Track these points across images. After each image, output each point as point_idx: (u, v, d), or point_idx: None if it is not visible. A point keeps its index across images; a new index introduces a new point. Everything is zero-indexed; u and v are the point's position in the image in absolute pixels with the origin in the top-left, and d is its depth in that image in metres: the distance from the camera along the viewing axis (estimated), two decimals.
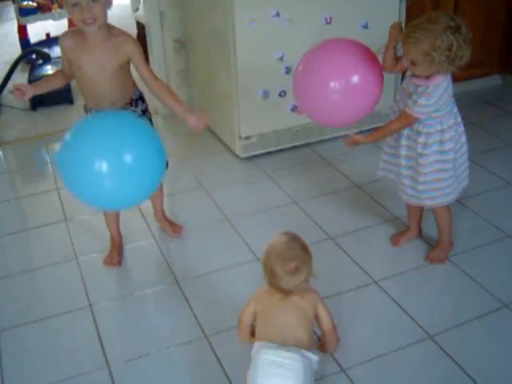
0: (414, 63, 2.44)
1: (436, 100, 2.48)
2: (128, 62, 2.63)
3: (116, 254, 2.97)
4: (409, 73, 2.59)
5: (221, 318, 2.57)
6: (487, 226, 3.09)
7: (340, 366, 2.32)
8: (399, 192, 2.80)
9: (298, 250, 2.14)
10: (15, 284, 2.89)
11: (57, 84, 2.73)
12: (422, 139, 2.59)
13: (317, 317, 2.26)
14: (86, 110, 2.75)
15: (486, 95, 4.49)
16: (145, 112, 2.81)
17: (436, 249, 2.88)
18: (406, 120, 2.56)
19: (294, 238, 2.18)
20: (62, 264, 2.99)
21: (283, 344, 2.12)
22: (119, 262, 2.96)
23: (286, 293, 2.15)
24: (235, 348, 2.35)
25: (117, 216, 2.99)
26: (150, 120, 2.86)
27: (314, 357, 2.15)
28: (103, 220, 3.01)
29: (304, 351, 2.12)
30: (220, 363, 2.36)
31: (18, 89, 2.55)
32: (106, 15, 2.49)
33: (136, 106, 2.76)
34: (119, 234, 3.03)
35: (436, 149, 2.59)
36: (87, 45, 2.54)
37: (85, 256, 3.03)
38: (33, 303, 2.76)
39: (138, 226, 3.24)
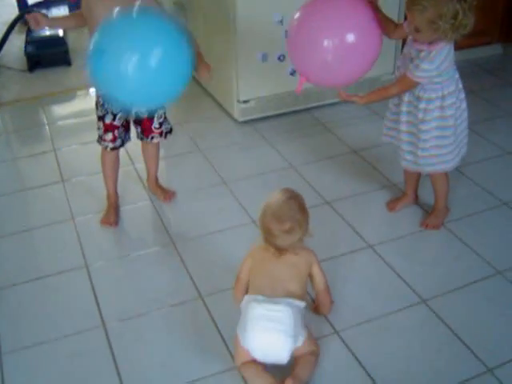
0: (417, 30, 2.41)
1: (438, 65, 2.46)
2: None
3: (113, 214, 2.98)
4: (410, 38, 2.57)
5: (216, 279, 2.58)
6: (484, 194, 3.09)
7: (333, 328, 2.34)
8: (399, 158, 2.80)
9: (294, 210, 2.14)
10: (12, 244, 2.90)
11: (71, 24, 2.75)
12: (422, 105, 2.57)
13: (311, 276, 2.28)
14: None
15: (486, 64, 4.46)
16: None
17: (432, 215, 2.89)
18: (406, 84, 2.55)
19: (292, 197, 2.18)
20: (58, 224, 3.00)
21: (273, 295, 2.14)
22: (116, 222, 2.96)
23: (281, 250, 2.16)
24: (230, 308, 2.36)
25: (116, 175, 2.99)
26: None
27: (301, 304, 2.17)
28: (99, 181, 3.01)
29: (292, 300, 2.14)
30: (215, 323, 2.38)
31: (33, 17, 2.55)
32: None
33: None
34: (116, 193, 3.03)
35: (437, 115, 2.58)
36: None
37: (81, 216, 3.04)
38: (29, 263, 2.77)
39: (135, 187, 3.24)
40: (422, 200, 3.03)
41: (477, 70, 4.38)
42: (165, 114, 2.91)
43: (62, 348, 2.32)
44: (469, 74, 4.26)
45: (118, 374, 2.21)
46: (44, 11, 5.29)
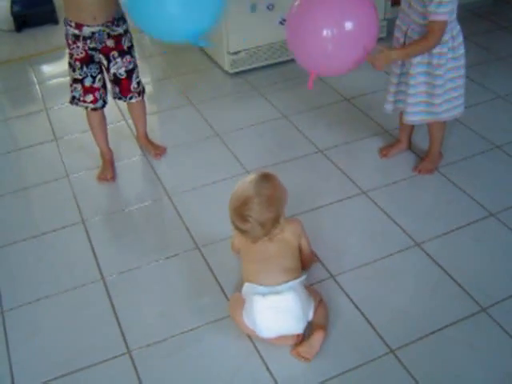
0: None
1: None
2: None
3: (109, 169, 2.99)
4: None
5: (212, 230, 2.60)
6: (476, 138, 3.10)
7: (329, 273, 2.37)
8: (408, 116, 2.73)
9: (257, 209, 2.01)
10: (8, 203, 2.91)
11: None
12: (436, 49, 2.52)
13: (299, 246, 2.25)
14: (66, 23, 2.69)
15: (478, 9, 4.42)
16: (126, 32, 2.77)
17: (425, 160, 2.90)
18: (440, 28, 2.42)
19: (257, 194, 2.03)
20: (53, 182, 3.01)
21: (273, 282, 2.08)
22: (113, 178, 2.97)
23: (256, 238, 2.09)
24: (226, 257, 2.39)
25: (104, 132, 2.99)
26: (131, 41, 2.81)
27: (301, 277, 2.14)
28: (92, 138, 3.01)
29: (292, 282, 2.09)
30: (212, 272, 2.41)
31: None
32: None
33: (118, 25, 2.71)
34: (109, 149, 3.04)
35: (450, 56, 2.55)
36: None
37: (76, 173, 3.04)
38: (26, 221, 2.79)
39: (128, 142, 3.24)
40: (415, 145, 3.03)
41: (468, 15, 4.33)
42: (139, 72, 2.90)
43: (63, 302, 2.35)
44: (460, 19, 4.14)
45: (119, 324, 2.24)
46: None
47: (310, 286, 2.24)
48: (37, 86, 3.94)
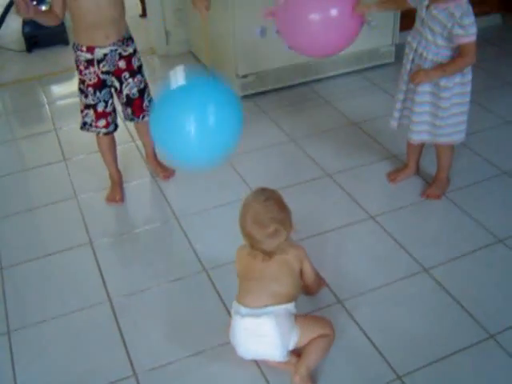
0: None
1: (474, 18, 2.44)
2: None
3: (118, 191, 3.00)
4: (424, 14, 2.53)
5: (219, 253, 2.60)
6: (484, 164, 3.10)
7: (336, 298, 2.37)
8: (411, 134, 2.76)
9: (274, 211, 2.05)
10: (17, 223, 2.92)
11: (52, 21, 2.68)
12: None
13: (301, 271, 2.22)
14: (77, 49, 2.72)
15: (485, 34, 4.42)
16: (135, 52, 2.81)
17: (433, 185, 2.90)
18: (473, 48, 2.47)
19: (269, 197, 2.08)
20: (61, 202, 3.02)
21: (256, 305, 2.06)
22: (121, 199, 2.99)
23: (269, 253, 2.09)
24: (234, 281, 2.38)
25: (113, 154, 3.01)
26: (140, 60, 2.85)
27: (288, 305, 2.09)
28: (101, 159, 3.02)
29: (276, 307, 2.06)
30: (219, 295, 2.41)
31: (24, 2, 2.43)
32: None
33: (128, 45, 2.76)
34: (118, 171, 3.05)
35: (458, 81, 2.57)
36: None
37: (84, 194, 3.06)
38: (34, 241, 2.80)
39: (136, 164, 3.26)
40: (423, 170, 3.04)
41: (476, 40, 4.35)
42: (149, 90, 2.93)
43: (70, 324, 2.35)
44: None
45: (125, 346, 2.24)
46: None
47: (322, 317, 2.21)
48: (46, 107, 3.97)
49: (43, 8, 4.78)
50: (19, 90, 4.24)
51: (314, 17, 2.54)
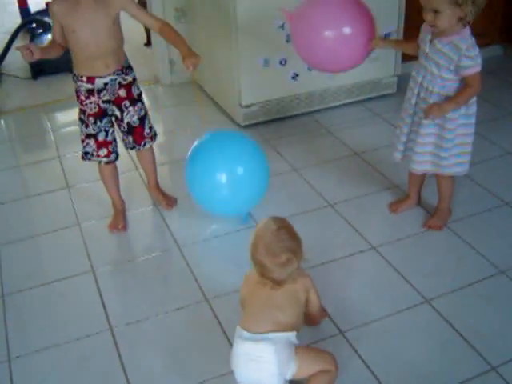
0: (437, 11, 2.41)
1: (478, 49, 2.48)
2: (118, 18, 2.66)
3: (120, 219, 3.01)
4: (428, 48, 2.58)
5: (221, 282, 2.61)
6: (486, 195, 3.11)
7: (338, 329, 2.36)
8: (414, 165, 2.78)
9: (286, 240, 2.06)
10: (19, 250, 2.93)
11: (57, 53, 2.72)
12: None
13: (307, 300, 2.22)
14: (77, 79, 2.75)
15: (487, 65, 4.37)
16: (135, 80, 2.84)
17: (434, 216, 2.91)
18: (479, 77, 2.50)
19: (281, 227, 2.09)
20: (64, 230, 3.03)
21: (256, 330, 2.04)
22: (124, 227, 3.00)
23: (280, 282, 2.08)
24: (236, 310, 2.38)
25: (116, 182, 3.02)
26: (139, 88, 2.88)
27: (289, 334, 2.08)
28: (104, 187, 3.04)
29: (277, 334, 2.04)
30: (220, 325, 2.41)
31: (27, 48, 2.52)
32: None
33: (127, 74, 2.79)
34: (121, 199, 3.06)
35: (463, 112, 2.59)
36: (79, 7, 2.57)
37: (87, 222, 3.07)
38: (36, 268, 2.80)
39: (139, 192, 3.27)
40: (425, 201, 3.05)
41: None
42: (149, 118, 2.96)
43: (71, 352, 2.35)
44: None
45: (126, 376, 2.23)
46: (46, 19, 5.35)
47: (325, 351, 2.18)
48: (51, 134, 4.00)
49: (45, 42, 4.88)
50: (24, 117, 4.28)
51: (328, 32, 2.67)
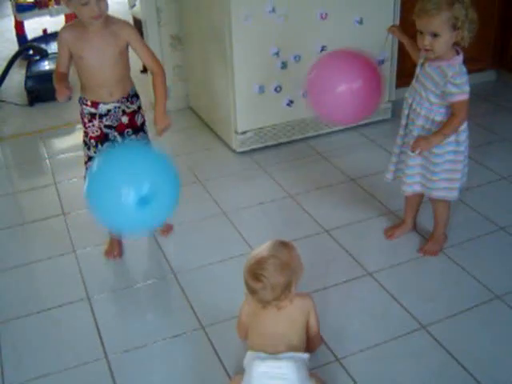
0: (435, 35, 2.44)
1: (467, 77, 2.51)
2: (127, 50, 2.70)
3: (116, 246, 3.01)
4: (418, 71, 2.62)
5: (217, 310, 2.60)
6: (481, 220, 3.12)
7: (335, 356, 2.36)
8: (403, 186, 2.81)
9: (270, 270, 2.04)
10: (14, 277, 2.92)
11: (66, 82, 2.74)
12: (435, 128, 2.60)
13: (307, 322, 2.23)
14: (82, 102, 2.78)
15: (480, 90, 4.51)
16: (139, 108, 2.86)
17: (430, 241, 2.92)
18: (465, 106, 2.51)
19: (273, 256, 2.07)
20: (60, 257, 3.02)
21: (275, 351, 2.08)
22: (119, 254, 2.99)
23: (265, 303, 2.10)
24: (232, 339, 2.38)
25: None
26: (143, 117, 2.90)
27: (304, 355, 2.13)
28: None
29: (295, 353, 2.10)
30: (216, 353, 2.39)
31: (62, 87, 2.59)
32: (107, 5, 2.59)
33: (132, 102, 2.80)
34: None
35: (452, 139, 2.61)
36: (87, 35, 2.62)
37: (82, 249, 3.06)
38: (32, 295, 2.79)
39: None
40: (420, 226, 3.06)
41: (471, 97, 4.36)
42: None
43: (66, 380, 2.33)
44: None
45: None
46: (43, 46, 5.39)
47: (315, 373, 2.20)
48: (47, 160, 4.01)
49: (43, 69, 4.92)
50: (20, 144, 4.29)
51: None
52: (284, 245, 2.14)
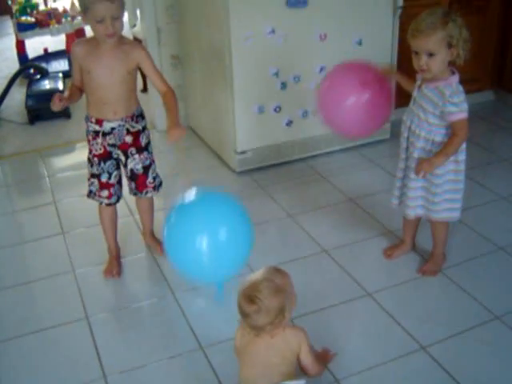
0: (432, 54, 2.46)
1: (464, 96, 2.53)
2: (135, 70, 2.73)
3: (115, 265, 3.01)
4: (416, 93, 2.64)
5: (216, 330, 2.59)
6: (480, 240, 3.13)
7: (334, 377, 2.35)
8: (406, 210, 2.81)
9: (265, 292, 2.01)
10: (13, 296, 2.91)
11: (78, 96, 2.79)
12: (435, 149, 2.61)
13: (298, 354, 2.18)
14: (87, 120, 2.80)
15: (479, 110, 4.53)
16: (144, 129, 2.87)
17: (429, 261, 2.92)
18: (465, 124, 2.53)
19: (267, 279, 2.05)
20: (59, 276, 3.02)
21: (269, 383, 2.07)
22: (118, 273, 2.99)
23: (257, 329, 2.07)
24: (230, 359, 2.36)
25: (114, 228, 3.03)
26: (148, 137, 2.91)
27: (301, 381, 2.11)
28: (99, 233, 3.05)
29: (290, 382, 2.08)
30: (215, 374, 2.39)
31: (58, 98, 2.62)
32: (122, 27, 2.62)
33: (137, 122, 2.82)
34: (117, 245, 3.07)
35: (452, 159, 2.61)
36: (98, 51, 2.65)
37: (82, 268, 3.06)
38: (30, 315, 2.78)
39: (134, 238, 3.27)
40: (419, 246, 3.06)
41: (470, 117, 4.41)
42: (156, 167, 2.98)
43: None
44: None
45: None
46: (44, 65, 5.42)
47: None
48: (47, 179, 4.01)
49: (46, 88, 4.95)
50: (20, 162, 4.30)
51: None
52: (278, 270, 2.12)
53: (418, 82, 2.64)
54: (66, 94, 2.72)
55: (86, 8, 2.54)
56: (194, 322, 2.66)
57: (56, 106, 2.63)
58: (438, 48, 2.45)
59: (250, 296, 2.03)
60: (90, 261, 3.10)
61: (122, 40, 2.68)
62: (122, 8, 2.58)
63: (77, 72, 2.74)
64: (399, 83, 2.86)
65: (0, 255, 3.24)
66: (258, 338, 2.09)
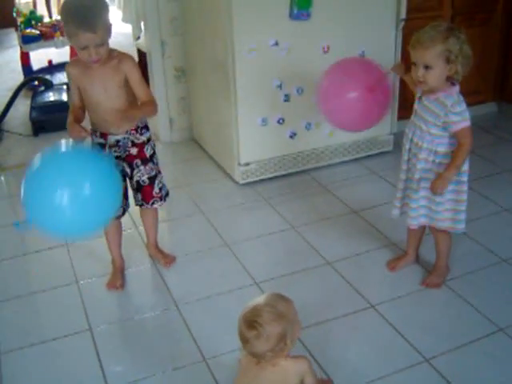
0: (429, 67, 2.47)
1: (465, 105, 2.53)
2: (128, 82, 2.71)
3: (119, 277, 3.01)
4: (416, 105, 2.65)
5: (219, 342, 2.59)
6: (483, 252, 3.12)
7: None
8: (409, 220, 2.81)
9: (266, 318, 1.95)
10: (16, 307, 2.91)
11: (83, 116, 2.77)
12: (442, 160, 2.62)
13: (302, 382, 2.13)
14: (92, 134, 2.81)
15: (481, 122, 4.55)
16: (149, 140, 2.88)
17: (432, 274, 2.91)
18: (470, 132, 2.54)
19: (269, 305, 1.99)
20: (62, 288, 3.02)
21: None
22: (122, 286, 2.99)
23: (258, 356, 2.01)
24: (233, 370, 2.36)
25: (119, 240, 3.03)
26: (153, 148, 2.91)
27: None
28: (103, 244, 3.05)
29: None
30: None
31: (77, 131, 2.60)
32: (108, 48, 2.61)
33: (141, 134, 2.83)
34: (121, 257, 3.07)
35: None
36: (90, 70, 2.65)
37: (85, 280, 3.06)
38: (34, 326, 2.78)
39: (138, 250, 3.27)
40: (422, 258, 3.06)
41: (473, 129, 4.44)
42: (162, 178, 2.98)
43: None
44: None
45: None
46: (48, 77, 5.44)
47: None
48: None
49: (69, 118, 4.96)
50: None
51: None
52: (282, 297, 2.07)
53: (418, 94, 2.65)
54: (70, 119, 2.68)
55: (69, 36, 2.55)
56: (198, 334, 2.65)
57: (76, 136, 2.60)
58: (435, 61, 2.46)
59: (250, 321, 1.97)
60: (93, 272, 3.10)
61: (111, 54, 2.65)
62: (107, 34, 2.56)
63: (75, 92, 2.74)
64: (409, 86, 2.86)
65: (4, 266, 3.25)
66: (259, 367, 2.04)
